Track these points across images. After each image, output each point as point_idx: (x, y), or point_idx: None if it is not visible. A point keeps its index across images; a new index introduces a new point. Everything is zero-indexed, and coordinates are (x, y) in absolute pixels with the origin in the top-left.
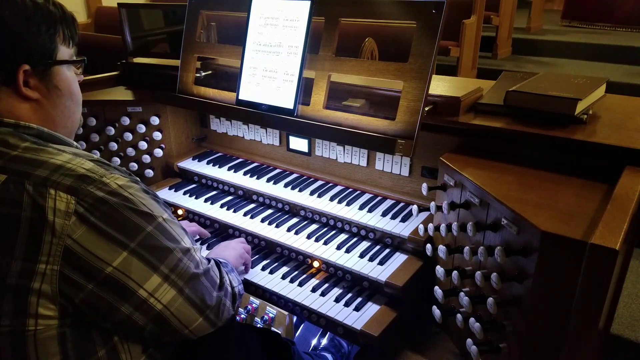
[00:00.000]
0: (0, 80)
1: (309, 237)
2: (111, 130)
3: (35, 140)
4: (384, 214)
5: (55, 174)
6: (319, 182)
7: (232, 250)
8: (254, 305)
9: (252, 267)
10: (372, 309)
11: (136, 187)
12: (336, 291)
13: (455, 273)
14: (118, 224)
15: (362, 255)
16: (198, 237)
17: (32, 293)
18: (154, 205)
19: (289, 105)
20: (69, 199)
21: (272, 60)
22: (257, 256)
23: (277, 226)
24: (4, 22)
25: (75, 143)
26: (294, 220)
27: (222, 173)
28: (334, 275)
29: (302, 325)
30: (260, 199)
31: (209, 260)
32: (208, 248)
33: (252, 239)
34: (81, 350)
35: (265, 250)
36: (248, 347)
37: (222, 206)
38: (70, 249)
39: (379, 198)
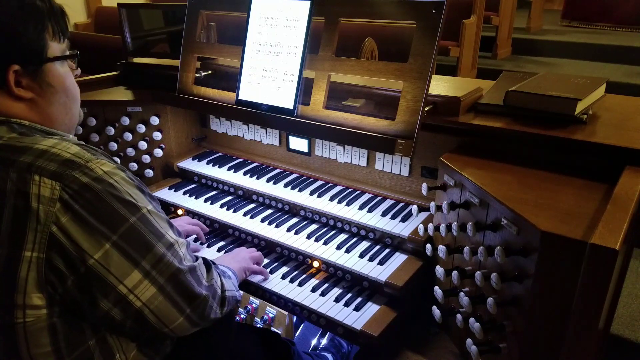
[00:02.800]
0: None
1: (308, 237)
2: (111, 130)
3: (23, 131)
4: (383, 214)
5: (39, 159)
6: (319, 182)
7: (236, 263)
8: (253, 305)
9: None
10: (372, 309)
11: (122, 175)
12: (336, 291)
13: (455, 273)
14: (101, 213)
15: (362, 255)
16: (195, 236)
17: (19, 282)
18: (138, 195)
19: (289, 105)
20: (54, 185)
21: (272, 60)
22: None
23: (277, 226)
24: None
25: (71, 136)
26: (294, 220)
27: (222, 173)
28: (334, 275)
29: (302, 325)
30: (260, 199)
31: (197, 257)
32: (208, 247)
33: (252, 239)
34: (72, 340)
35: (265, 250)
36: (247, 347)
37: (222, 206)
38: (55, 237)
39: (379, 198)
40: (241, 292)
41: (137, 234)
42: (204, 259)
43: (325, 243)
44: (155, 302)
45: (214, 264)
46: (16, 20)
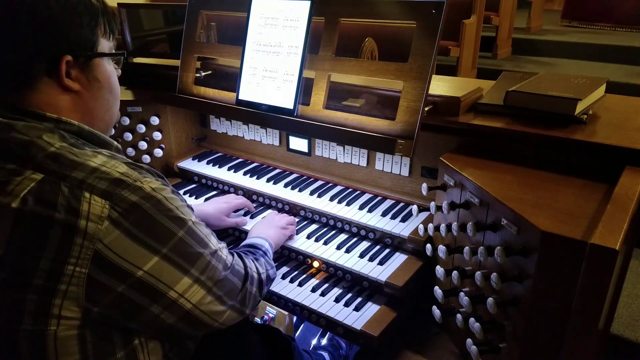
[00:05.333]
0: (43, 70)
1: (309, 237)
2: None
3: (73, 142)
4: (384, 214)
5: (90, 176)
6: (319, 182)
7: (274, 229)
8: None
9: None
10: (372, 309)
11: (168, 190)
12: (336, 291)
13: (455, 273)
14: (150, 229)
15: (362, 255)
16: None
17: (58, 295)
18: (184, 209)
19: (289, 105)
20: (104, 204)
21: (272, 60)
22: None
23: None
24: (49, 12)
25: (115, 143)
26: (295, 222)
27: (222, 173)
28: (334, 275)
29: (302, 325)
30: (260, 199)
31: (232, 254)
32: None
33: None
34: (100, 351)
35: None
36: (249, 344)
37: None
38: (100, 253)
39: (379, 198)
40: (275, 269)
41: (186, 246)
42: (237, 253)
43: (326, 243)
44: (205, 302)
45: (250, 251)
46: (74, 13)
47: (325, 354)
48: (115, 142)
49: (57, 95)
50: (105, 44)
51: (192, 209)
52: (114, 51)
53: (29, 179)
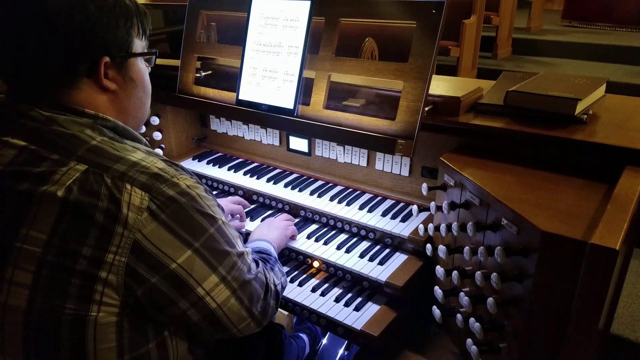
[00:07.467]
0: (83, 71)
1: (309, 237)
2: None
3: (112, 136)
4: (384, 214)
5: (131, 170)
6: (319, 182)
7: (276, 231)
8: None
9: None
10: (372, 309)
11: (201, 189)
12: (336, 291)
13: (455, 273)
14: (185, 223)
15: (362, 255)
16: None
17: (99, 281)
18: (215, 208)
19: (289, 105)
20: (143, 195)
21: (272, 60)
22: None
23: None
24: (88, 16)
25: (144, 140)
26: (294, 220)
27: (222, 173)
28: (334, 275)
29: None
30: (261, 199)
31: (257, 263)
32: None
33: None
34: (134, 340)
35: None
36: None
37: None
38: (139, 243)
39: (379, 198)
40: (286, 275)
41: (216, 243)
42: (261, 262)
43: (326, 243)
44: (228, 304)
45: (264, 258)
46: (111, 15)
47: (304, 335)
48: (145, 140)
49: (96, 95)
50: (139, 44)
51: (223, 210)
52: (146, 50)
53: (73, 170)
